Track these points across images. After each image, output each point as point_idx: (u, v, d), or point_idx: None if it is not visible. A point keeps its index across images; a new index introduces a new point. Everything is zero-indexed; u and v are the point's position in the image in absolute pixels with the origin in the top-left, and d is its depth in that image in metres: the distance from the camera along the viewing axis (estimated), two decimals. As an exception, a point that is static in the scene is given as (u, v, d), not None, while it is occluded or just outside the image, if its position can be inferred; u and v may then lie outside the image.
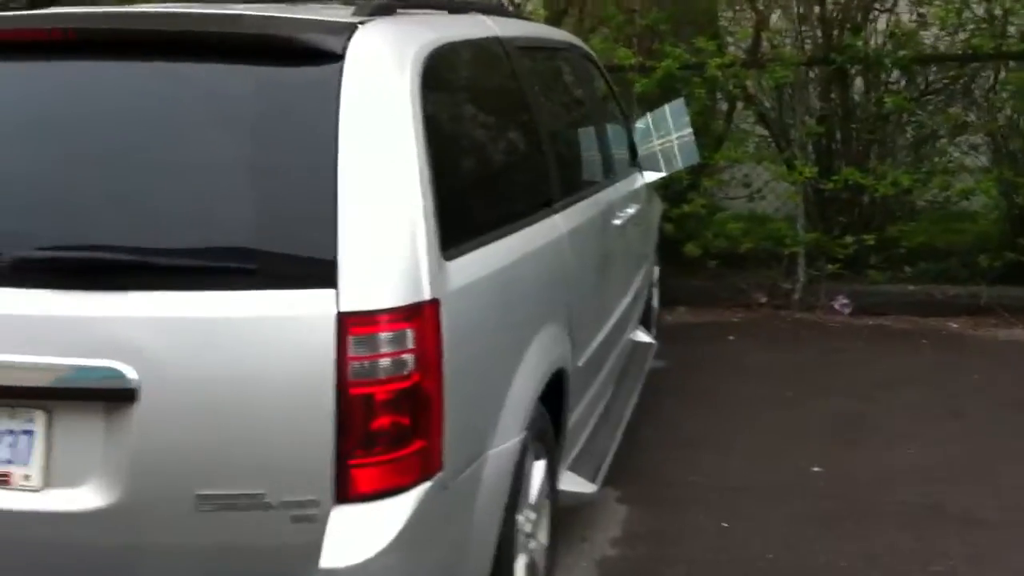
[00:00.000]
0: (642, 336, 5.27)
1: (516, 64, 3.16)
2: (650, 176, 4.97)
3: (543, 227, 2.99)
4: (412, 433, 2.20)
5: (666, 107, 4.91)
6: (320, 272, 2.15)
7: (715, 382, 5.38)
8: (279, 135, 2.26)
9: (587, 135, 4.00)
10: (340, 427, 2.15)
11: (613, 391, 4.29)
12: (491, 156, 2.88)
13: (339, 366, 2.13)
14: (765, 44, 6.67)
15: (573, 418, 3.34)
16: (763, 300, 6.78)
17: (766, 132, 7.03)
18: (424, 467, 2.24)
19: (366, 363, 2.15)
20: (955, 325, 6.38)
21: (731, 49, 6.73)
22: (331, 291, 2.14)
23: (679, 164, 4.87)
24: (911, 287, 6.60)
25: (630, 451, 4.23)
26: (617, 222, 3.95)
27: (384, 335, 2.16)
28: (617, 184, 4.23)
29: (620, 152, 4.67)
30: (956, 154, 6.75)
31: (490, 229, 2.60)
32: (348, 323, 2.13)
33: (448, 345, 2.26)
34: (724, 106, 6.88)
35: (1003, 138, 6.75)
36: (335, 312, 2.13)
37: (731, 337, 6.26)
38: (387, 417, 2.18)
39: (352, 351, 2.13)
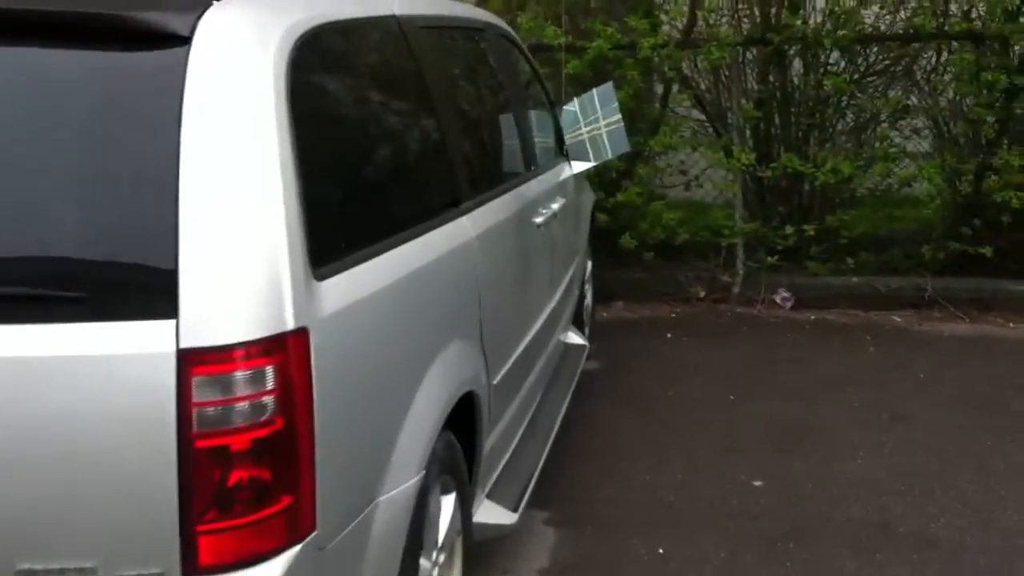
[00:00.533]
0: (574, 337, 4.94)
1: (416, 46, 2.78)
2: (578, 166, 4.62)
3: (447, 232, 2.63)
4: (276, 489, 1.83)
5: (594, 91, 4.56)
6: (157, 299, 1.76)
7: (651, 385, 5.06)
8: (112, 134, 1.86)
9: (505, 124, 3.64)
10: (185, 485, 1.77)
11: (541, 400, 3.95)
12: (380, 154, 2.48)
13: (181, 413, 1.75)
14: (701, 23, 6.33)
15: (490, 441, 2.99)
16: (701, 294, 6.49)
17: (703, 117, 6.72)
18: (292, 528, 1.87)
19: (215, 408, 1.77)
20: (899, 319, 6.13)
21: (666, 28, 6.39)
22: (170, 322, 1.75)
23: (608, 153, 4.53)
24: (854, 279, 6.34)
25: (559, 466, 3.90)
26: (539, 219, 3.59)
27: (238, 374, 1.78)
28: (540, 177, 3.87)
29: (545, 141, 4.32)
30: (898, 139, 6.47)
31: (377, 239, 2.22)
32: (191, 361, 1.75)
33: (321, 381, 1.88)
34: (660, 89, 6.52)
35: (946, 122, 6.50)
36: (175, 348, 1.75)
37: (669, 334, 5.95)
38: (243, 471, 1.80)
39: (197, 395, 1.75)
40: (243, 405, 1.79)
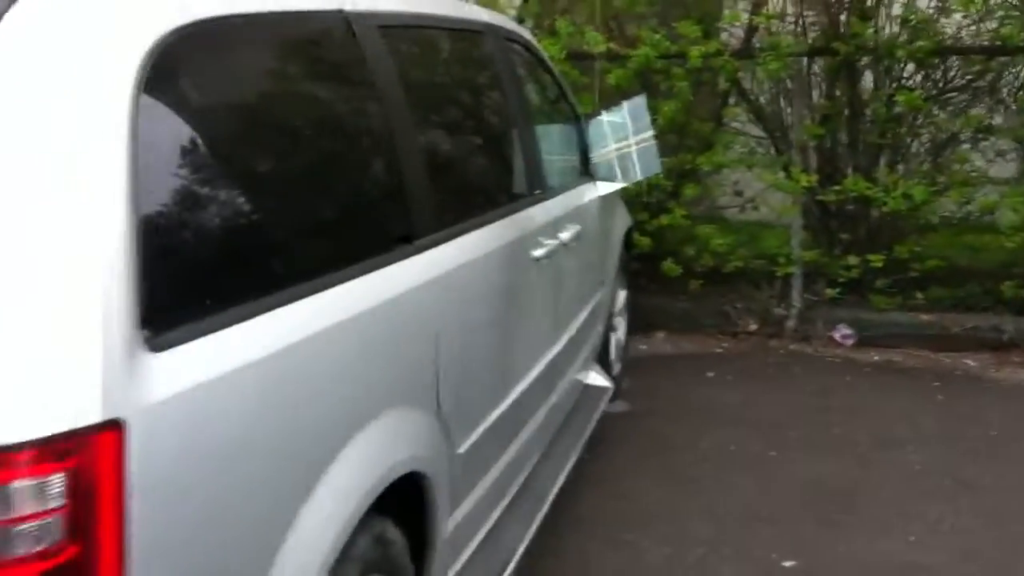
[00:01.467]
0: (596, 378, 4.43)
1: (371, 50, 2.29)
2: (605, 187, 4.10)
3: (386, 277, 2.13)
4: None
5: (623, 104, 4.04)
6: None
7: (683, 433, 4.51)
8: None
9: (500, 143, 3.15)
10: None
11: (543, 456, 3.45)
12: (276, 179, 1.93)
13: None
14: (763, 30, 5.76)
15: (453, 522, 2.49)
16: (752, 328, 5.90)
17: (762, 132, 6.13)
18: None
19: (-21, 532, 1.31)
20: (973, 363, 5.48)
21: (725, 36, 5.82)
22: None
23: (637, 174, 4.00)
24: (924, 316, 5.71)
25: (558, 536, 3.39)
26: (539, 251, 3.08)
27: (14, 485, 1.32)
28: (549, 201, 3.36)
29: (562, 160, 3.82)
30: (979, 162, 5.81)
31: (259, 292, 1.72)
32: (-56, 468, 1.29)
33: (146, 493, 1.41)
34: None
35: (1034, 145, 5.84)
36: (-80, 450, 1.29)
37: (711, 373, 5.38)
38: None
39: (-47, 514, 1.30)
40: (22, 528, 1.32)
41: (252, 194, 1.80)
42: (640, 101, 4.02)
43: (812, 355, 5.68)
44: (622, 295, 5.02)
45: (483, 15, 3.23)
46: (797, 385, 5.20)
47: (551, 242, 3.20)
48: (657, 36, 5.38)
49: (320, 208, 2.02)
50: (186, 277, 1.59)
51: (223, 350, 1.59)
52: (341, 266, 1.97)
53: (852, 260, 5.63)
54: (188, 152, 1.67)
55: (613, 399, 4.80)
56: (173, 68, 1.63)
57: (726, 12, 5.87)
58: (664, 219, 5.71)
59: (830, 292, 5.73)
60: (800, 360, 5.60)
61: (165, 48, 1.60)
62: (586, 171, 4.09)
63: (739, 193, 6.12)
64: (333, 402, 1.88)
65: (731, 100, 5.95)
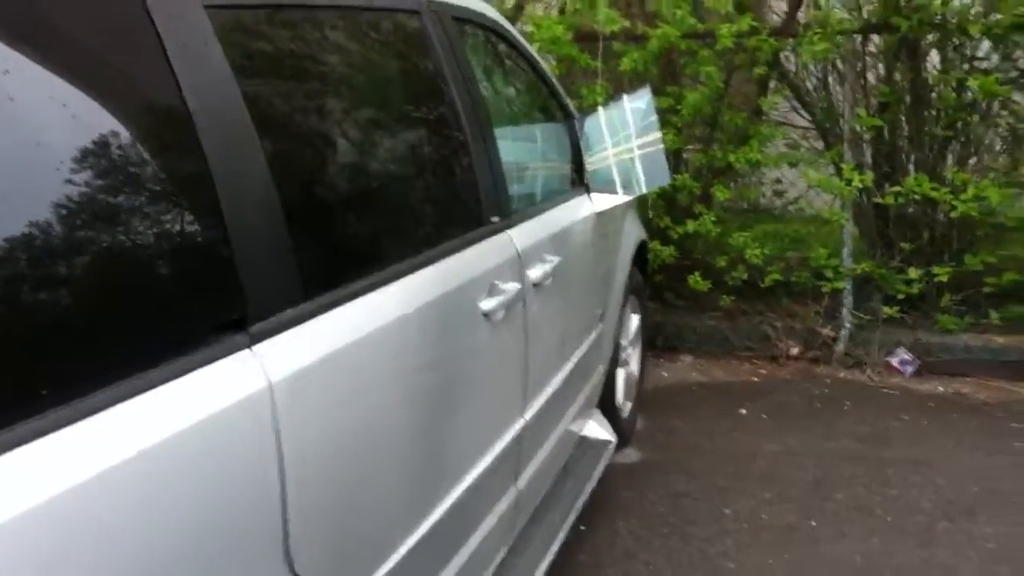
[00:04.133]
0: (596, 429, 3.65)
1: (178, 38, 1.53)
2: (602, 201, 3.31)
3: (186, 389, 1.38)
4: None
5: (624, 99, 3.23)
6: None
7: (703, 495, 3.72)
8: None
9: (424, 160, 2.34)
10: None
11: (519, 542, 2.71)
12: None
13: None
14: (808, 2, 4.89)
15: None
16: (795, 352, 5.07)
17: (809, 124, 5.26)
18: None
19: None
20: (1060, 399, 4.62)
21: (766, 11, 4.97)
22: None
23: (641, 184, 3.19)
24: (999, 340, 4.84)
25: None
26: (492, 302, 2.29)
27: None
28: (510, 232, 2.55)
29: (541, 172, 3.03)
30: (1067, 158, 4.92)
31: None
32: None
33: None
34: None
35: None
36: None
37: (743, 409, 4.57)
38: None
39: None
40: None
41: None
42: (644, 94, 3.20)
43: (865, 385, 4.84)
44: (634, 321, 4.22)
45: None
46: (846, 426, 4.36)
47: (510, 286, 2.41)
48: (680, 12, 4.53)
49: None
50: None
51: None
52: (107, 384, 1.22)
53: (913, 273, 4.77)
54: None
55: (622, 446, 4.03)
56: None
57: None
58: (691, 225, 4.88)
59: (887, 310, 4.87)
60: (850, 392, 4.75)
61: None
62: (580, 181, 3.29)
63: (779, 193, 5.26)
64: None
65: (771, 86, 5.07)
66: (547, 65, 3.19)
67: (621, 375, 4.07)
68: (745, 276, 5.00)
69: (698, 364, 5.15)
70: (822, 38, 4.42)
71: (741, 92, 5.08)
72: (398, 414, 1.92)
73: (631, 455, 4.09)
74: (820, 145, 5.23)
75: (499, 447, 2.42)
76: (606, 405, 3.86)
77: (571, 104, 3.37)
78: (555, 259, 2.75)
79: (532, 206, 2.86)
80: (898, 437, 4.25)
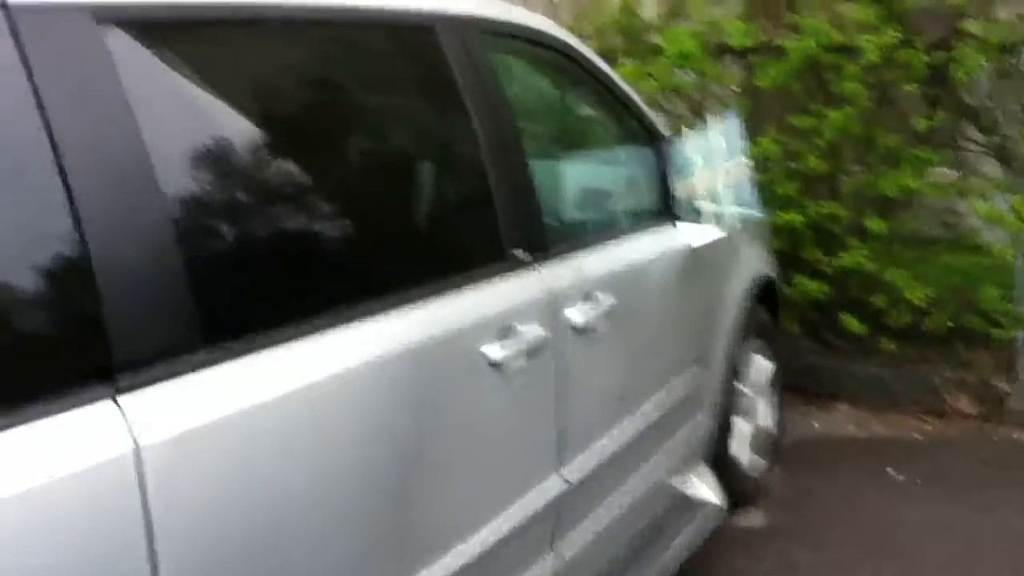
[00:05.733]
0: (700, 489, 3.26)
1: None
2: (695, 234, 2.94)
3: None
4: None
5: (712, 124, 2.87)
6: None
7: (824, 565, 3.26)
8: None
9: (425, 188, 2.06)
10: None
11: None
12: None
13: None
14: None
15: None
16: (965, 407, 4.45)
17: (984, 147, 4.63)
18: None
19: None
20: None
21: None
22: None
23: (725, 220, 2.82)
24: None
25: None
26: (504, 351, 1.99)
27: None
28: (544, 269, 2.23)
29: (605, 200, 2.72)
30: None
31: None
32: None
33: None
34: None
35: None
36: None
37: (893, 471, 4.01)
38: None
39: None
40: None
41: None
42: (732, 118, 2.83)
43: (1044, 450, 4.17)
44: (762, 367, 3.78)
45: (445, 3, 2.18)
46: (1011, 497, 3.74)
47: (533, 331, 2.10)
48: (820, 23, 4.06)
49: None
50: None
51: None
52: None
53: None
54: None
55: (746, 507, 3.62)
56: None
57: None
58: (844, 258, 4.37)
59: (1074, 363, 4.20)
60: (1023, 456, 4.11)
61: None
62: (668, 211, 2.94)
63: (948, 225, 4.65)
64: None
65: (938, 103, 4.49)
66: (623, 81, 2.85)
67: (743, 427, 3.65)
68: (907, 318, 4.43)
69: (855, 415, 4.60)
70: (979, 49, 3.85)
71: (901, 111, 4.51)
72: (339, 492, 1.64)
73: (756, 518, 3.64)
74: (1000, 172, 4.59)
75: (517, 515, 2.11)
76: (720, 461, 3.46)
77: (661, 127, 3.02)
78: (609, 299, 2.42)
79: (587, 239, 2.54)
80: (1075, 513, 3.61)
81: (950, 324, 4.39)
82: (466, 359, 1.94)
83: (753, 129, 4.59)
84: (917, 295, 4.30)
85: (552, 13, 5.11)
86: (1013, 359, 4.35)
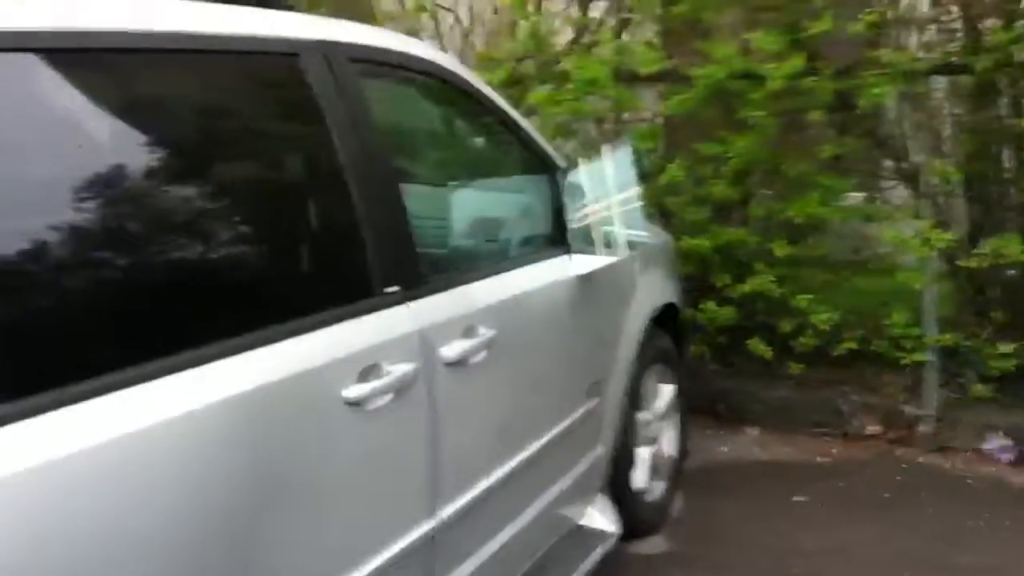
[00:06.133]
0: (595, 517, 3.24)
1: None
2: (588, 263, 2.92)
3: None
4: None
5: (606, 152, 2.86)
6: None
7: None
8: None
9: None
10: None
11: None
12: None
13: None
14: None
15: None
16: (873, 430, 4.49)
17: (894, 173, 4.68)
18: None
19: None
20: None
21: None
22: None
23: (621, 248, 2.80)
24: (1114, 425, 4.15)
25: None
26: (359, 389, 1.94)
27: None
28: (394, 309, 2.16)
29: (485, 234, 2.68)
30: None
31: None
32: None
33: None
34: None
35: None
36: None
37: (800, 496, 4.02)
38: None
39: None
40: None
41: None
42: (625, 147, 2.82)
43: (948, 473, 4.21)
44: (665, 393, 3.78)
45: (309, 28, 2.14)
46: (916, 522, 3.76)
47: (399, 368, 2.06)
48: (728, 50, 4.08)
49: None
50: None
51: None
52: None
53: (1008, 347, 4.15)
54: None
55: (647, 534, 3.62)
56: None
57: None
58: (748, 284, 4.40)
59: (979, 388, 4.26)
60: (929, 480, 4.14)
61: None
62: (560, 240, 2.92)
63: (857, 250, 4.70)
64: None
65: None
66: (514, 111, 2.83)
67: (644, 454, 3.63)
68: (814, 342, 4.47)
69: (762, 439, 4.62)
70: (884, 79, 3.90)
71: (809, 138, 4.55)
72: (170, 540, 1.59)
73: (657, 544, 3.63)
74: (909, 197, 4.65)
75: (386, 555, 2.06)
76: (620, 488, 3.45)
77: (556, 156, 3.01)
78: (489, 332, 2.39)
79: (472, 270, 2.51)
80: (975, 539, 3.64)
81: (855, 347, 4.43)
82: (319, 399, 1.89)
83: (664, 156, 4.62)
84: (822, 320, 4.34)
85: (463, 42, 5.12)
86: (918, 383, 4.40)
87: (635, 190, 2.76)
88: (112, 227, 1.64)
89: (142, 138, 1.79)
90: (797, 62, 3.97)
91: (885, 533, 3.68)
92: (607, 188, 2.83)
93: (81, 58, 1.66)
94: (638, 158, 2.80)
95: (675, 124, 4.39)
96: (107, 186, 1.67)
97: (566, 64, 4.45)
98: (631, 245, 2.79)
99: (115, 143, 1.75)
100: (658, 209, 4.71)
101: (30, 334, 1.46)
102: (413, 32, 5.01)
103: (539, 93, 4.42)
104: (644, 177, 4.52)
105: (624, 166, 2.81)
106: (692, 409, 4.72)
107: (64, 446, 1.42)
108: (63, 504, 1.41)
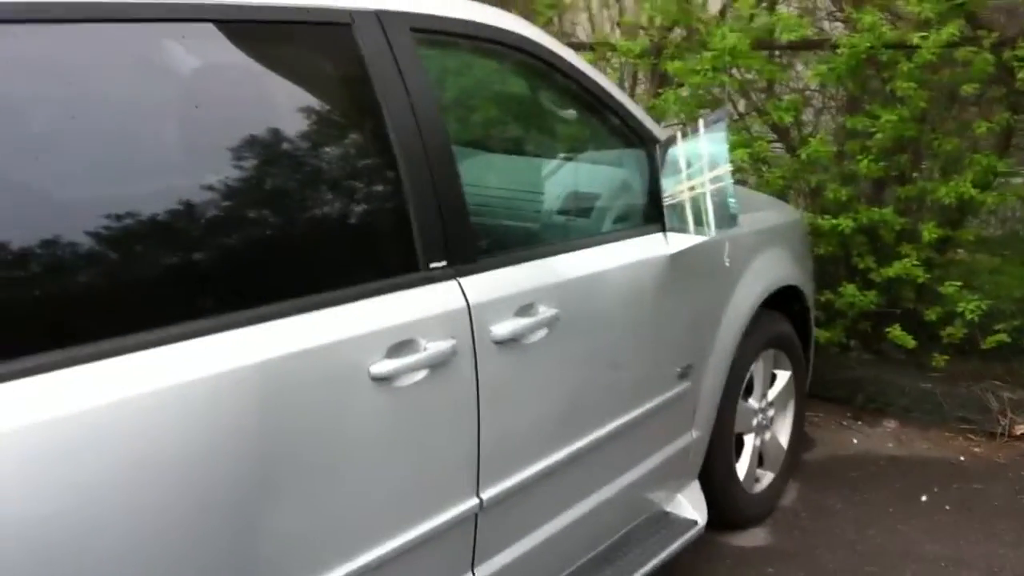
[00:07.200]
0: (682, 505, 3.13)
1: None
2: (677, 241, 2.79)
3: None
4: None
5: (699, 123, 2.71)
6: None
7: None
8: None
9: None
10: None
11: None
12: None
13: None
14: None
15: None
16: (1019, 430, 4.15)
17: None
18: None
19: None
20: None
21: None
22: None
23: (711, 225, 2.66)
24: None
25: None
26: (389, 364, 1.92)
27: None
28: (439, 284, 2.09)
29: (565, 210, 2.60)
30: None
31: None
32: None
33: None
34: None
35: None
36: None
37: (925, 496, 3.78)
38: None
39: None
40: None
41: None
42: (720, 117, 2.66)
43: (1099, 483, 3.85)
44: (780, 379, 3.61)
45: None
46: (1049, 534, 3.47)
47: (437, 345, 2.04)
48: (874, 17, 3.78)
49: None
50: None
51: None
52: None
53: None
54: None
55: (748, 526, 3.49)
56: None
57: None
58: (891, 269, 4.12)
59: None
60: (1074, 490, 3.80)
61: None
62: (653, 217, 2.81)
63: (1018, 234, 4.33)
64: None
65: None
66: (612, 80, 2.73)
67: (750, 442, 3.49)
68: (962, 332, 4.15)
69: (899, 433, 4.35)
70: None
71: (970, 113, 4.18)
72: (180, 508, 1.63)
73: (757, 537, 3.50)
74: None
75: (418, 534, 2.06)
76: (720, 477, 3.32)
77: (654, 130, 2.88)
78: (550, 311, 2.33)
79: (535, 248, 2.45)
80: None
81: (1007, 341, 4.10)
82: (341, 373, 1.89)
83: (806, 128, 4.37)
84: (970, 309, 4.02)
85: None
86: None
87: (725, 167, 2.60)
88: (158, 193, 1.68)
89: (193, 109, 1.83)
90: (952, 29, 3.63)
91: (1011, 541, 3.41)
92: (695, 164, 2.69)
93: (132, 30, 1.70)
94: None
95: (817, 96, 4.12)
96: (158, 158, 1.73)
97: (706, 34, 4.25)
98: (737, 223, 2.63)
99: (167, 115, 1.79)
100: (802, 185, 4.48)
101: (76, 291, 1.55)
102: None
103: (675, 63, 4.24)
104: (791, 150, 4.32)
105: (713, 139, 2.66)
106: (829, 398, 4.52)
107: (76, 403, 1.50)
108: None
